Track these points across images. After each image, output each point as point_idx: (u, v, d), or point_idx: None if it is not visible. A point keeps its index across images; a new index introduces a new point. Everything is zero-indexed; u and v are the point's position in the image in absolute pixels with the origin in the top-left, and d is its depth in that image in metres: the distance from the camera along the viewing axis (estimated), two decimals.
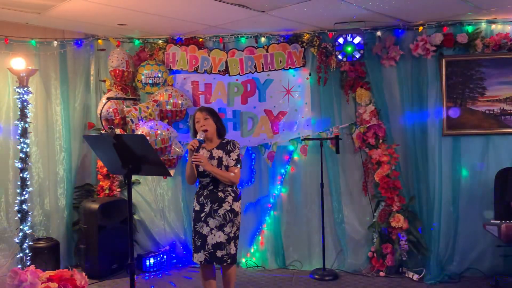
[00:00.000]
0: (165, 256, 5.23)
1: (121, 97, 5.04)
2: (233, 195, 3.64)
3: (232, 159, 3.61)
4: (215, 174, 3.54)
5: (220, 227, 3.55)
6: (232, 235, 3.60)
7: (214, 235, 3.55)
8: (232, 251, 3.59)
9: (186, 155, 5.04)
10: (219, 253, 3.54)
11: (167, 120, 5.10)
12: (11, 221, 4.94)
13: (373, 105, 4.93)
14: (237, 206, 3.65)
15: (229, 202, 3.60)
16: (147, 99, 5.23)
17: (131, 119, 4.95)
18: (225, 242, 3.55)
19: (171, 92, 5.09)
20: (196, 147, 3.52)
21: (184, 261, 5.31)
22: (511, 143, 4.75)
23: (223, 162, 3.59)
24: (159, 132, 4.81)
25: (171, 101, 5.06)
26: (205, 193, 3.63)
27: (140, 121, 4.86)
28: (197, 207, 3.66)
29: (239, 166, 3.65)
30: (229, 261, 3.57)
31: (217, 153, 3.63)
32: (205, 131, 3.59)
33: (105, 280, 4.81)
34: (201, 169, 3.59)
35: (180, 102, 5.11)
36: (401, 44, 4.90)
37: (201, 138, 3.56)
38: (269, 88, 5.24)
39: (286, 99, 5.20)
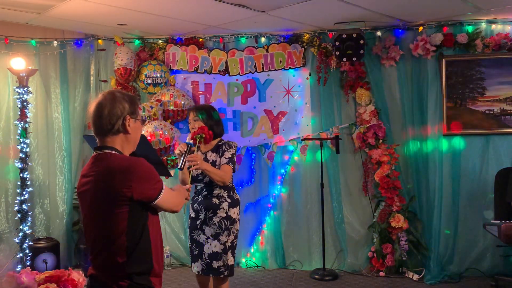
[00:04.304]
0: (165, 256, 5.24)
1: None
2: (229, 200, 3.37)
3: (224, 157, 3.33)
4: (208, 172, 3.23)
5: (216, 236, 3.31)
6: (229, 244, 3.34)
7: (210, 244, 3.32)
8: (230, 262, 3.34)
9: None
10: (215, 264, 3.29)
11: (170, 120, 5.10)
12: (11, 221, 4.94)
13: (373, 105, 4.93)
14: (234, 212, 3.38)
15: (224, 209, 3.34)
16: (148, 99, 5.23)
17: None
18: (221, 252, 3.30)
19: (173, 92, 5.09)
20: (184, 151, 3.19)
21: (184, 262, 5.31)
22: (511, 143, 4.75)
23: (217, 166, 3.34)
24: (161, 132, 4.83)
25: (173, 101, 5.06)
26: (199, 200, 3.40)
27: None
28: (193, 214, 3.43)
29: (231, 165, 3.34)
30: (226, 272, 3.32)
31: (212, 156, 3.38)
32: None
33: None
34: (194, 173, 3.32)
35: (182, 102, 5.10)
36: (401, 44, 4.90)
37: (190, 141, 3.26)
38: (269, 88, 5.24)
39: (286, 99, 5.21)
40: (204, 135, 3.20)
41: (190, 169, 3.19)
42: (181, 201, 2.26)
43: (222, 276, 3.33)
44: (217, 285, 3.41)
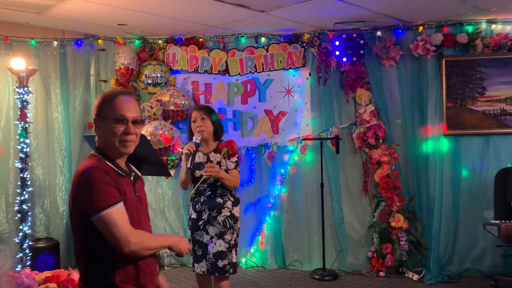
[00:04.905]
0: (165, 256, 5.23)
1: None
2: (232, 199, 3.42)
3: (232, 161, 3.39)
4: (223, 179, 3.31)
5: (221, 235, 3.33)
6: (233, 242, 3.38)
7: (215, 244, 3.33)
8: (234, 260, 3.39)
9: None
10: (220, 263, 3.31)
11: (170, 120, 5.10)
12: (11, 221, 4.94)
13: (373, 105, 4.93)
14: (236, 211, 3.43)
15: (228, 208, 3.37)
16: (148, 99, 5.23)
17: None
18: (226, 251, 3.33)
19: (173, 92, 5.09)
20: (193, 151, 3.22)
21: (184, 262, 5.30)
22: (511, 143, 4.75)
23: (222, 167, 3.37)
24: (161, 132, 4.83)
25: (173, 101, 5.06)
26: (201, 200, 3.39)
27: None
28: (194, 215, 3.42)
29: (238, 169, 3.44)
30: (231, 270, 3.35)
31: (215, 157, 3.40)
32: (201, 131, 3.35)
33: None
34: (197, 174, 3.35)
35: (182, 102, 5.10)
36: (401, 44, 4.90)
37: (197, 141, 3.26)
38: (269, 88, 5.24)
39: (286, 99, 5.21)
40: (229, 150, 3.27)
41: (204, 175, 3.25)
42: (143, 247, 1.87)
43: (227, 274, 3.36)
44: (219, 283, 3.41)
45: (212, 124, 3.40)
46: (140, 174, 2.13)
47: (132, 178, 2.02)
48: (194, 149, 3.23)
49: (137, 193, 2.00)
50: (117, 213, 1.82)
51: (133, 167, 2.12)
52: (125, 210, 1.86)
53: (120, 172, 1.94)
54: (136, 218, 1.93)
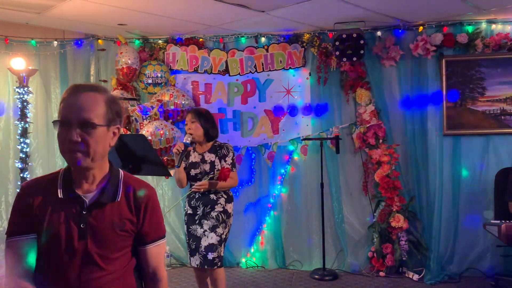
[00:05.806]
0: (165, 256, 5.24)
1: (121, 97, 5.03)
2: (225, 196, 3.58)
3: (227, 163, 3.54)
4: (218, 188, 3.51)
5: (213, 228, 3.49)
6: (224, 236, 3.54)
7: (207, 237, 3.48)
8: (222, 253, 3.54)
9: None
10: (210, 256, 3.45)
11: (171, 121, 5.10)
12: None
13: (373, 105, 4.93)
14: (230, 207, 3.60)
15: (221, 204, 3.55)
16: (148, 99, 5.23)
17: (135, 118, 4.95)
18: (216, 244, 3.47)
19: (173, 92, 5.09)
20: (181, 150, 3.43)
21: (184, 262, 5.31)
22: (511, 143, 4.75)
23: (216, 167, 3.52)
24: (163, 132, 4.83)
25: (173, 101, 5.06)
26: (196, 196, 3.56)
27: None
28: (190, 210, 3.60)
29: (235, 169, 3.59)
30: (219, 263, 3.49)
31: (209, 157, 3.56)
32: (190, 134, 3.52)
33: None
34: (192, 173, 3.54)
35: (182, 102, 5.10)
36: (401, 44, 4.90)
37: (187, 142, 3.45)
38: (269, 88, 5.24)
39: (286, 99, 5.21)
40: (225, 176, 3.46)
41: (193, 189, 3.51)
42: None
43: (215, 267, 3.48)
44: (213, 273, 3.53)
45: (201, 127, 3.54)
46: (118, 199, 1.62)
47: (86, 203, 1.57)
48: (183, 148, 3.43)
49: (82, 225, 1.54)
50: (9, 249, 1.56)
51: (121, 186, 1.66)
52: (22, 248, 1.54)
53: (62, 195, 1.56)
54: (55, 257, 1.54)
